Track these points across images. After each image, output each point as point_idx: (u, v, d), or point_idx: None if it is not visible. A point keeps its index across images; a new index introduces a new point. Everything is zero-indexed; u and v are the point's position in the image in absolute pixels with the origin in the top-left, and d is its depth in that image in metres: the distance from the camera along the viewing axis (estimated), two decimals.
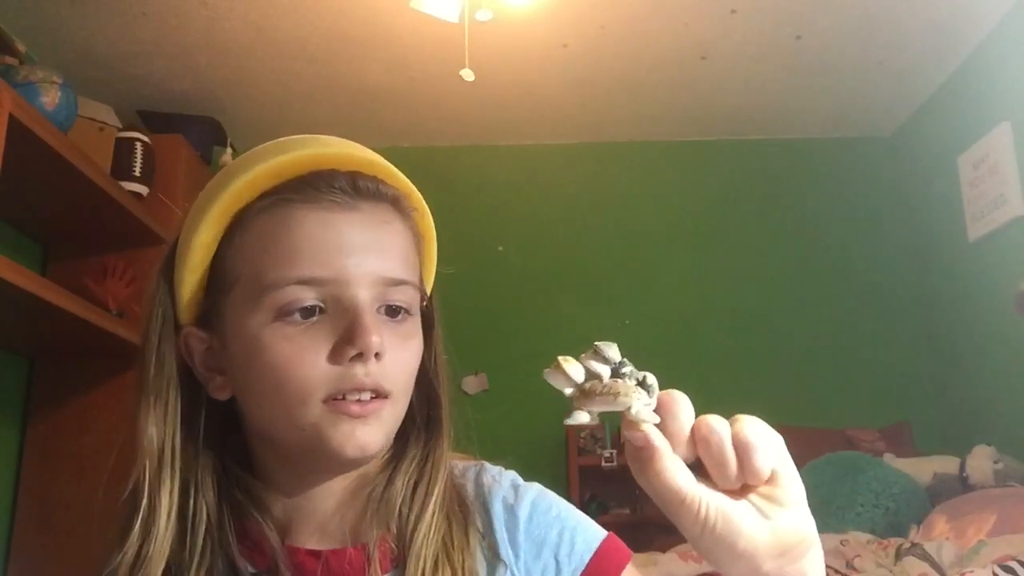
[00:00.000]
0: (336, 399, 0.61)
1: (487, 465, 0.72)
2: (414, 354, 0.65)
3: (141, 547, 0.63)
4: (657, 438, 0.46)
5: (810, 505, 0.50)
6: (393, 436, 0.66)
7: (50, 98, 2.07)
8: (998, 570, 1.43)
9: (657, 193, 3.25)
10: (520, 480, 0.71)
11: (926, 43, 2.63)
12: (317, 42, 2.59)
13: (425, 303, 0.72)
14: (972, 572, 1.45)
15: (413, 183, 0.73)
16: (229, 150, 2.94)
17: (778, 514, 0.47)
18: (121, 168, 2.41)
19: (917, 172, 3.09)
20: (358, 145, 0.69)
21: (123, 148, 2.45)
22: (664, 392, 0.48)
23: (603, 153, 3.29)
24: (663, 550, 2.00)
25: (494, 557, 0.66)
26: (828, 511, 2.19)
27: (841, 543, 1.84)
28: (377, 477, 0.67)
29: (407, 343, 0.65)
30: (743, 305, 3.11)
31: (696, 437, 0.47)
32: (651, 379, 0.47)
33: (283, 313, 0.61)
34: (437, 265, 0.76)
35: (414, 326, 0.66)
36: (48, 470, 2.35)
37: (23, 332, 2.26)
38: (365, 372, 0.60)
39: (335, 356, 0.60)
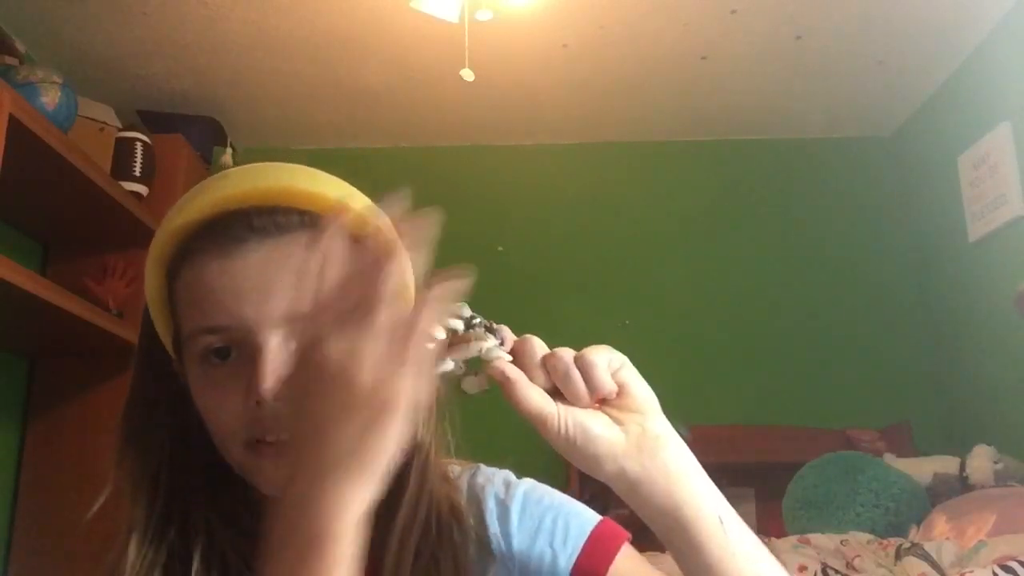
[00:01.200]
0: (258, 440, 0.62)
1: (482, 467, 0.73)
2: None
3: (133, 561, 0.64)
4: (510, 370, 0.55)
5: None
6: None
7: (50, 98, 2.07)
8: (998, 570, 1.43)
9: (657, 193, 3.25)
10: (514, 477, 0.73)
11: (926, 43, 2.63)
12: (317, 42, 2.59)
13: None
14: (972, 572, 1.45)
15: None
16: (229, 150, 2.94)
17: (629, 419, 0.55)
18: (121, 168, 2.41)
19: (917, 172, 3.09)
20: (271, 168, 0.66)
21: (123, 148, 2.45)
22: (518, 338, 0.57)
23: (603, 153, 3.29)
24: (663, 550, 2.00)
25: (486, 554, 0.66)
26: (828, 511, 2.19)
27: (841, 543, 1.84)
28: None
29: None
30: (743, 305, 3.11)
31: (547, 367, 0.55)
32: (499, 326, 0.57)
33: (202, 358, 0.63)
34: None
35: None
36: (48, 470, 2.35)
37: (23, 332, 2.26)
38: (272, 415, 0.60)
39: (243, 402, 0.61)
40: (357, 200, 0.68)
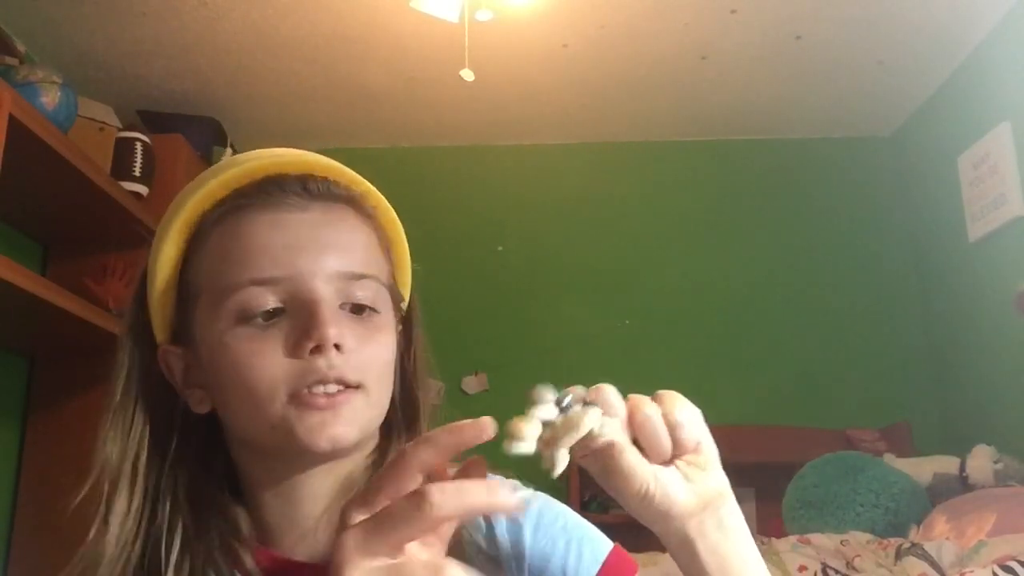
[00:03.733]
0: (301, 393, 0.61)
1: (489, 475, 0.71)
2: (384, 348, 0.65)
3: (111, 554, 0.63)
4: (618, 437, 0.52)
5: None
6: (370, 430, 0.66)
7: (50, 98, 2.07)
8: (998, 570, 1.43)
9: (657, 193, 3.25)
10: (523, 490, 0.71)
11: (926, 43, 2.63)
12: (317, 42, 2.59)
13: (403, 305, 0.72)
14: (972, 572, 1.45)
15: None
16: (229, 150, 2.94)
17: (700, 477, 0.54)
18: (121, 168, 2.41)
19: (917, 172, 3.09)
20: (312, 153, 0.69)
21: (123, 148, 2.45)
22: (594, 390, 0.53)
23: (603, 153, 3.29)
24: (663, 550, 2.00)
25: (496, 569, 0.65)
26: (828, 511, 2.19)
27: (841, 543, 1.84)
28: (360, 481, 0.67)
29: (375, 336, 0.65)
30: (743, 305, 3.11)
31: (633, 424, 0.53)
32: (589, 395, 0.52)
33: (244, 317, 0.62)
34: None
35: (382, 322, 0.66)
36: (48, 469, 2.35)
37: (23, 332, 2.26)
38: (327, 364, 0.61)
39: (295, 350, 0.61)
40: (379, 193, 0.72)
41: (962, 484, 2.22)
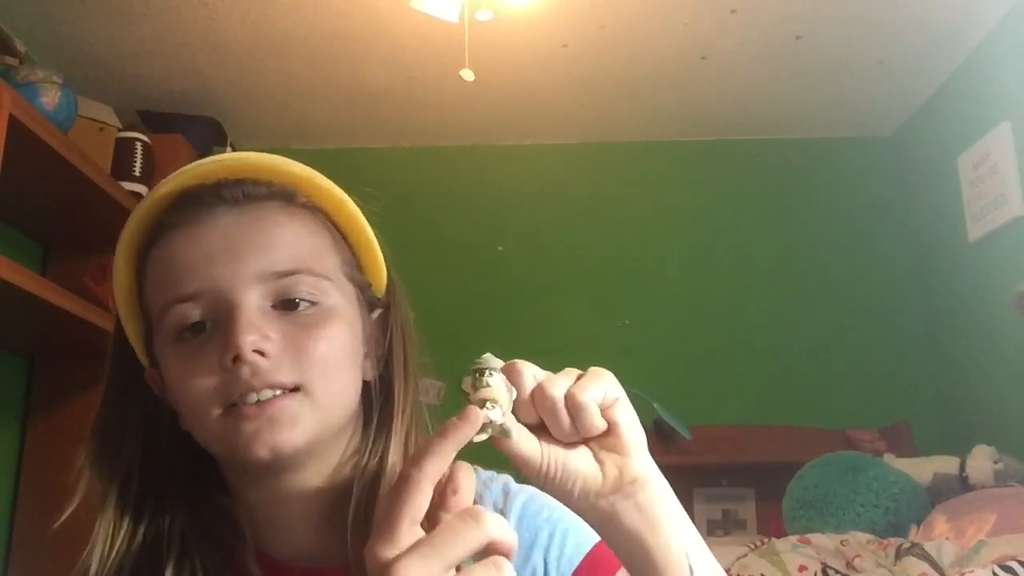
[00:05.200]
0: (235, 405, 0.60)
1: (479, 470, 0.70)
2: (326, 341, 0.64)
3: (96, 570, 0.64)
4: (509, 420, 0.51)
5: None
6: (326, 430, 0.64)
7: (50, 98, 2.07)
8: (998, 570, 1.43)
9: (657, 193, 3.25)
10: (513, 484, 0.71)
11: (926, 43, 2.63)
12: (317, 42, 2.59)
13: (373, 292, 0.71)
14: (972, 572, 1.45)
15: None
16: (229, 150, 2.94)
17: (611, 460, 0.53)
18: (121, 168, 2.42)
19: (917, 172, 3.09)
20: (234, 155, 0.68)
21: (123, 148, 2.45)
22: (508, 364, 0.53)
23: (603, 153, 3.29)
24: None
25: None
26: (828, 511, 2.19)
27: (841, 543, 1.84)
28: (346, 476, 0.66)
29: (315, 332, 0.63)
30: (742, 305, 3.11)
31: (535, 401, 0.52)
32: (504, 369, 0.52)
33: (176, 335, 0.63)
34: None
35: (324, 314, 0.64)
36: (48, 470, 2.35)
37: (23, 332, 2.26)
38: (251, 372, 0.60)
39: (220, 364, 0.61)
40: (321, 178, 0.69)
41: (962, 484, 2.22)
